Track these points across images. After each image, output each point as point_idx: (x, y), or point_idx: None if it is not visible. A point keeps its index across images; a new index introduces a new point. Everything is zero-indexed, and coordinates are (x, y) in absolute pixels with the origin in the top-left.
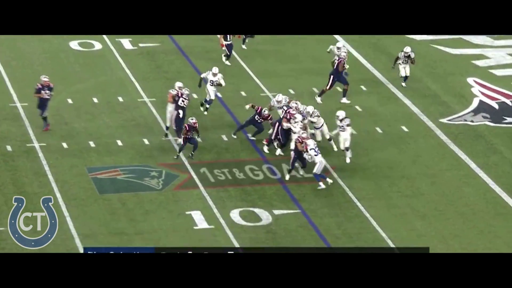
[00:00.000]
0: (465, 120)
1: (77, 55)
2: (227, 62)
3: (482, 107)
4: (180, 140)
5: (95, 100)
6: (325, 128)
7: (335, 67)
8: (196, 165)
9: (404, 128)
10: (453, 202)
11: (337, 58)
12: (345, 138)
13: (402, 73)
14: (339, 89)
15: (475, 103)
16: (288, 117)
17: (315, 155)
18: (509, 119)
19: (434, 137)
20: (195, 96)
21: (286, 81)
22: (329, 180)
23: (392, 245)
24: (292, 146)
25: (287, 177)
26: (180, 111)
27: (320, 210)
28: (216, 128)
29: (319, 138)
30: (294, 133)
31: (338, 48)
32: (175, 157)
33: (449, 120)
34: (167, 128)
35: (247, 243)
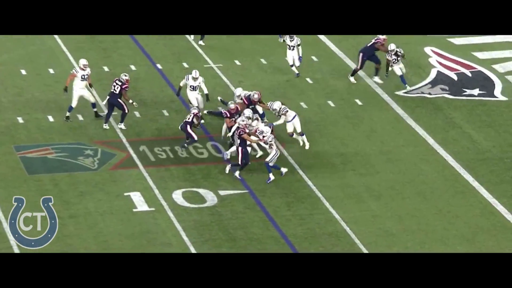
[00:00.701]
0: (423, 93)
1: None
2: (201, 42)
3: (440, 79)
4: (106, 126)
5: (23, 72)
6: (297, 121)
7: (368, 45)
8: (135, 142)
9: (358, 101)
10: (410, 181)
11: (375, 38)
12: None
13: (398, 72)
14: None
15: (432, 74)
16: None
17: (271, 142)
18: (468, 91)
19: (389, 111)
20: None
21: (232, 53)
22: (284, 170)
23: (345, 227)
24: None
25: (237, 173)
26: (108, 97)
27: (269, 190)
28: (156, 102)
29: (290, 129)
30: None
31: (291, 36)
32: (182, 149)
33: (405, 93)
34: (71, 109)
35: (191, 226)
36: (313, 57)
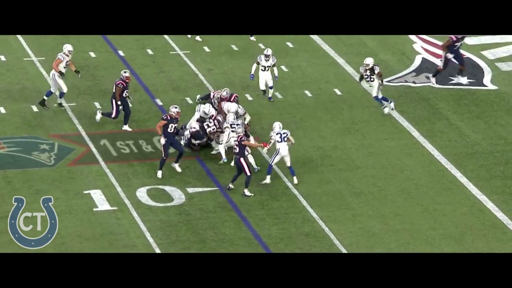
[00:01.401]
0: (406, 81)
1: None
2: (198, 38)
3: (426, 66)
4: (127, 127)
5: None
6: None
7: (448, 44)
8: (95, 136)
9: (337, 91)
10: (394, 177)
11: (451, 37)
12: (283, 154)
13: (373, 93)
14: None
15: (417, 62)
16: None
17: (279, 141)
18: (456, 80)
19: (371, 102)
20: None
21: (201, 38)
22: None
23: (324, 227)
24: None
25: (231, 186)
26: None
27: (241, 187)
28: None
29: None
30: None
31: (266, 56)
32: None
33: (388, 82)
34: (50, 93)
35: (157, 226)
36: (288, 43)
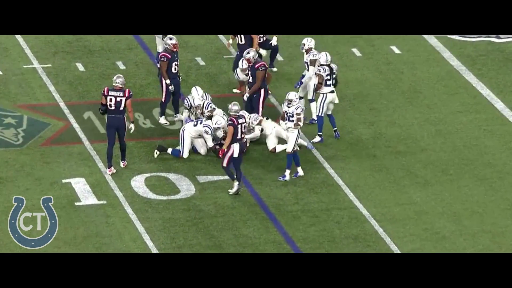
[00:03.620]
0: (488, 36)
1: None
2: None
3: None
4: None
5: None
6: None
7: None
8: (78, 107)
9: (394, 48)
10: (470, 162)
11: None
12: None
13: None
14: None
15: None
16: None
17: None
18: None
19: (440, 62)
20: None
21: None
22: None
23: (377, 228)
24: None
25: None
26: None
27: (269, 175)
28: (108, 50)
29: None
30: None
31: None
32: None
33: (463, 36)
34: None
35: (158, 226)
36: None
